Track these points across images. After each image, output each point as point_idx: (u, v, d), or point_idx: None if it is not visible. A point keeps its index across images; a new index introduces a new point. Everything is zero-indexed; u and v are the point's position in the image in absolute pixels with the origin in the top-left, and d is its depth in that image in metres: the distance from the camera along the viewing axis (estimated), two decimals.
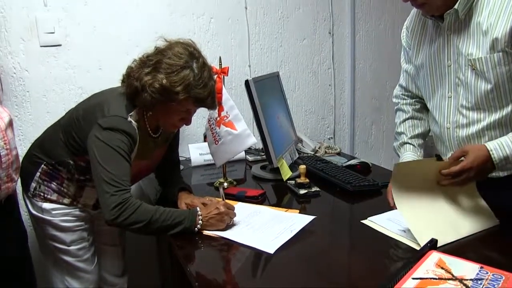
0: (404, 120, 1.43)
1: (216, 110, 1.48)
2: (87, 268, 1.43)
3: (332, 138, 2.41)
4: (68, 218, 1.37)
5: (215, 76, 1.39)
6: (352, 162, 1.79)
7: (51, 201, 1.35)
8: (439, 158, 1.21)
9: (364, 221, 1.23)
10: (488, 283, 0.85)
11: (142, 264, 1.99)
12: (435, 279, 0.87)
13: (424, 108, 1.43)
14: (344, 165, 1.75)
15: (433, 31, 1.26)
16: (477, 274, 0.89)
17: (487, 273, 0.89)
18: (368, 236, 1.17)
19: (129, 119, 1.22)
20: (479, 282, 0.86)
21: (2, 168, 1.10)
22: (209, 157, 1.71)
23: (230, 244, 1.15)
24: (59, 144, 1.32)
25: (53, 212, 1.35)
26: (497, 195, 1.19)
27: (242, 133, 1.52)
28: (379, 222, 1.21)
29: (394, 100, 1.49)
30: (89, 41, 1.80)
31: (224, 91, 1.50)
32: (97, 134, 1.18)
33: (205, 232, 1.19)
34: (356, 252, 1.14)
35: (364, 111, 2.47)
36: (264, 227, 1.22)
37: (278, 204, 1.46)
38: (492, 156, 1.09)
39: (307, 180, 1.51)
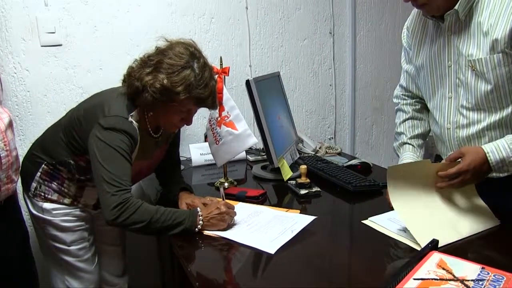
0: (404, 121, 1.43)
1: (217, 110, 1.48)
2: (87, 268, 1.43)
3: (332, 138, 2.41)
4: (69, 218, 1.37)
5: (216, 76, 1.39)
6: (353, 162, 1.79)
7: (52, 201, 1.35)
8: (439, 158, 1.21)
9: (364, 221, 1.23)
10: (489, 284, 0.85)
11: (142, 264, 1.99)
12: (437, 279, 0.87)
13: (424, 109, 1.43)
14: (344, 165, 1.75)
15: (434, 32, 1.26)
16: (479, 274, 0.88)
17: (488, 273, 0.89)
18: (368, 236, 1.17)
19: (130, 119, 1.22)
20: (481, 282, 0.86)
21: (1, 170, 1.10)
22: (210, 157, 1.70)
23: (230, 244, 1.14)
24: (60, 144, 1.32)
25: (54, 212, 1.35)
26: (498, 196, 1.19)
27: (243, 133, 1.52)
28: (379, 222, 1.21)
29: (395, 100, 1.50)
30: (90, 41, 1.80)
31: (225, 91, 1.50)
32: (98, 134, 1.18)
33: (206, 232, 1.19)
34: (356, 252, 1.14)
35: (365, 111, 2.47)
36: (265, 227, 1.21)
37: (278, 204, 1.46)
38: (489, 158, 1.10)
39: (308, 180, 1.51)
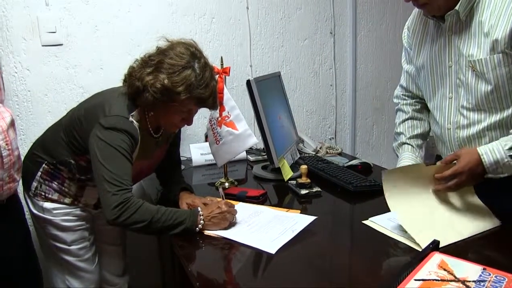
0: (404, 121, 1.44)
1: (218, 110, 1.48)
2: (88, 268, 1.43)
3: (333, 138, 2.41)
4: (69, 218, 1.37)
5: (217, 76, 1.39)
6: (353, 162, 1.79)
7: (52, 201, 1.35)
8: (439, 159, 1.21)
9: (365, 222, 1.23)
10: (491, 285, 0.85)
11: (143, 264, 1.99)
12: (438, 280, 0.87)
13: (424, 109, 1.43)
14: (345, 165, 1.75)
15: (435, 32, 1.25)
16: (480, 275, 0.88)
17: (490, 274, 0.88)
18: (369, 237, 1.17)
19: (131, 119, 1.22)
20: (482, 283, 0.86)
21: (3, 169, 1.10)
22: (210, 157, 1.70)
23: (231, 244, 1.14)
24: (61, 144, 1.32)
25: (54, 211, 1.35)
26: (495, 197, 1.19)
27: (243, 133, 1.52)
28: (380, 223, 1.21)
29: (395, 100, 1.50)
30: (91, 40, 1.80)
31: (225, 91, 1.50)
32: (99, 134, 1.18)
33: (206, 232, 1.19)
34: (357, 253, 1.14)
35: (366, 111, 2.46)
36: (265, 227, 1.21)
37: (279, 204, 1.46)
38: (483, 160, 1.10)
39: (308, 180, 1.51)
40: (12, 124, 1.12)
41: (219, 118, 1.51)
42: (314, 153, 2.00)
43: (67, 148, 1.31)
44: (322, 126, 2.38)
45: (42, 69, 1.75)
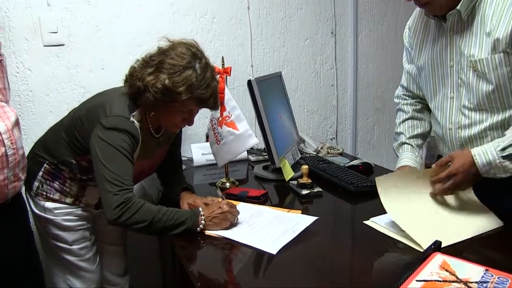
0: (404, 120, 1.44)
1: (219, 110, 1.48)
2: (89, 268, 1.43)
3: (334, 138, 2.41)
4: (70, 218, 1.37)
5: (218, 76, 1.39)
6: (355, 162, 1.79)
7: (54, 201, 1.35)
8: (440, 158, 1.22)
9: (366, 222, 1.23)
10: (493, 286, 0.85)
11: (144, 264, 1.99)
12: (440, 281, 0.87)
13: (425, 109, 1.43)
14: (346, 165, 1.75)
15: (436, 32, 1.25)
16: (482, 276, 0.88)
17: (492, 276, 0.88)
18: (370, 237, 1.17)
19: (132, 119, 1.22)
20: (484, 285, 0.85)
21: (9, 167, 1.10)
22: (211, 157, 1.70)
23: (232, 245, 1.14)
24: (62, 144, 1.32)
25: (56, 211, 1.35)
26: (500, 197, 1.18)
27: (244, 133, 1.52)
28: (381, 223, 1.21)
29: (395, 100, 1.50)
30: (92, 41, 1.80)
31: (226, 91, 1.50)
32: (100, 134, 1.18)
33: (207, 232, 1.19)
34: (358, 253, 1.14)
35: (367, 112, 2.46)
36: (267, 228, 1.21)
37: (280, 204, 1.45)
38: (476, 161, 1.11)
39: (310, 181, 1.50)
40: (17, 123, 1.13)
41: (220, 118, 1.51)
42: (315, 153, 1.99)
43: (69, 148, 1.31)
44: (323, 126, 2.38)
45: (43, 69, 1.75)
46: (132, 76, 1.24)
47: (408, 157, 1.38)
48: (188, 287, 1.11)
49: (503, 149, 1.09)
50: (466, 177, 1.12)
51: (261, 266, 1.09)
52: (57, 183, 1.35)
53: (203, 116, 1.98)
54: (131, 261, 1.66)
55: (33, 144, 1.43)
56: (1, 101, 1.12)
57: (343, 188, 1.50)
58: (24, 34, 1.70)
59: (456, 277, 0.88)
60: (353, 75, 2.36)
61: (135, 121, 1.23)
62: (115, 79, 1.36)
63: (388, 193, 1.17)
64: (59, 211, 1.35)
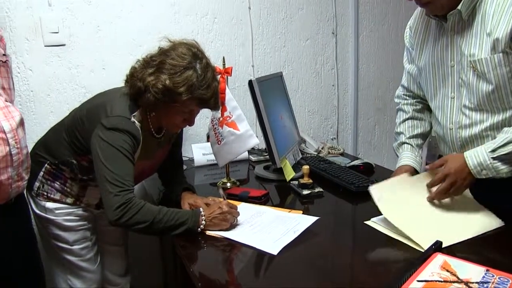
0: (404, 120, 1.44)
1: (219, 110, 1.48)
2: (90, 268, 1.43)
3: (335, 138, 2.40)
4: (71, 218, 1.37)
5: (219, 76, 1.39)
6: (355, 162, 1.79)
7: (54, 201, 1.35)
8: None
9: (367, 222, 1.23)
10: (494, 286, 0.85)
11: (145, 264, 1.99)
12: (441, 281, 0.87)
13: (425, 109, 1.43)
14: (347, 165, 1.75)
15: (437, 31, 1.25)
16: (483, 277, 0.88)
17: (493, 276, 0.88)
18: (371, 237, 1.17)
19: (132, 119, 1.22)
20: (485, 285, 0.85)
21: (13, 167, 1.11)
22: (212, 157, 1.70)
23: (233, 245, 1.14)
24: (63, 144, 1.32)
25: (56, 211, 1.35)
26: (501, 196, 1.18)
27: (245, 133, 1.52)
28: (382, 223, 1.20)
29: (396, 100, 1.50)
30: (93, 41, 1.80)
31: (227, 91, 1.50)
32: (101, 134, 1.18)
33: (208, 233, 1.19)
34: (359, 253, 1.14)
35: (367, 112, 2.46)
36: (268, 228, 1.21)
37: (281, 204, 1.45)
38: (468, 163, 1.13)
39: (310, 181, 1.50)
40: (21, 123, 1.13)
41: (221, 118, 1.51)
42: (316, 153, 1.99)
43: (69, 148, 1.31)
44: (324, 126, 2.37)
45: (44, 69, 1.75)
46: (132, 77, 1.24)
47: (408, 156, 1.38)
48: (189, 287, 1.11)
49: (493, 150, 1.11)
50: (460, 178, 1.14)
51: (262, 266, 1.08)
52: (58, 183, 1.35)
53: (204, 116, 1.99)
54: (132, 261, 1.66)
55: (34, 144, 1.43)
56: (6, 101, 1.13)
57: (344, 188, 1.50)
58: (25, 34, 1.70)
59: (457, 277, 0.88)
60: (354, 75, 2.36)
61: (136, 122, 1.23)
62: (116, 79, 1.37)
63: (385, 200, 1.18)
64: (60, 211, 1.35)
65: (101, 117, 1.20)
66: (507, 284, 0.85)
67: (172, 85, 1.18)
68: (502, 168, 1.12)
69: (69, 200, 1.36)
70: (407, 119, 1.43)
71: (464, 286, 0.86)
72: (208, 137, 1.92)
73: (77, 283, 1.42)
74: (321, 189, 1.50)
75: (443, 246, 1.04)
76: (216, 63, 1.36)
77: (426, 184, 1.21)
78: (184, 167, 1.69)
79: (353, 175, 1.56)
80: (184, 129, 1.49)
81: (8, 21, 1.67)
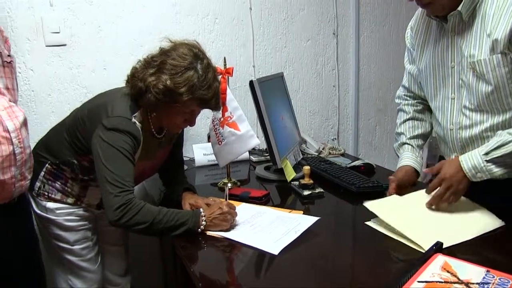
0: (405, 121, 1.44)
1: (220, 111, 1.48)
2: (90, 268, 1.43)
3: (336, 139, 2.40)
4: (72, 218, 1.37)
5: (220, 77, 1.39)
6: (356, 163, 1.79)
7: (55, 201, 1.35)
8: (442, 159, 1.23)
9: (368, 223, 1.23)
10: (494, 287, 0.85)
11: (145, 265, 1.99)
12: (441, 282, 0.87)
13: (426, 110, 1.43)
14: (348, 166, 1.75)
15: (437, 32, 1.25)
16: (484, 278, 0.88)
17: (494, 277, 0.88)
18: (372, 238, 1.17)
19: (133, 119, 1.22)
20: (486, 286, 0.85)
21: (16, 166, 1.12)
22: (213, 157, 1.70)
23: (234, 245, 1.14)
24: (64, 144, 1.32)
25: (57, 211, 1.35)
26: (503, 197, 1.18)
27: (246, 134, 1.52)
28: (383, 224, 1.20)
29: (397, 100, 1.50)
30: (94, 41, 1.80)
31: (228, 91, 1.50)
32: (101, 135, 1.18)
33: (209, 233, 1.19)
34: (360, 254, 1.14)
35: (368, 112, 2.46)
36: (268, 228, 1.21)
37: (282, 205, 1.46)
38: (462, 166, 1.15)
39: (311, 181, 1.50)
40: (24, 123, 1.14)
41: (222, 119, 1.51)
42: (316, 153, 2.00)
43: (70, 148, 1.31)
44: (325, 126, 2.38)
45: (45, 69, 1.75)
46: (133, 77, 1.24)
47: (409, 157, 1.38)
48: (190, 287, 1.11)
49: (487, 153, 1.13)
50: (456, 182, 1.15)
51: (262, 267, 1.09)
52: (58, 183, 1.35)
53: (205, 117, 1.99)
54: (132, 261, 1.67)
55: (35, 144, 1.44)
56: (10, 101, 1.14)
57: (344, 189, 1.50)
58: (26, 34, 1.70)
59: (458, 278, 0.88)
60: (355, 76, 2.36)
61: (137, 122, 1.23)
62: (117, 79, 1.37)
63: (382, 208, 1.21)
64: (61, 211, 1.36)
65: (102, 117, 1.21)
66: (507, 285, 0.85)
67: (173, 86, 1.18)
68: (496, 170, 1.13)
69: (70, 200, 1.36)
70: (408, 119, 1.43)
71: (465, 287, 0.86)
72: (209, 137, 1.92)
73: (78, 283, 1.42)
74: (321, 190, 1.50)
75: (444, 247, 1.04)
76: (217, 63, 1.36)
77: (425, 191, 1.22)
78: (185, 167, 1.69)
79: (353, 176, 1.56)
80: (185, 129, 1.49)
81: (10, 21, 1.67)
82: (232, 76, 1.52)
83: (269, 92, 1.64)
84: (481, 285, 0.85)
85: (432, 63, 1.27)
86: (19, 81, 1.72)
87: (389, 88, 2.45)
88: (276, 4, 2.12)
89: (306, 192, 1.48)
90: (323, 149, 2.03)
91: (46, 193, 1.35)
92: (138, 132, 1.22)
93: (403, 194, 1.32)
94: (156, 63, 1.21)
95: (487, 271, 0.90)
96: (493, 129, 1.19)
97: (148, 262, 2.01)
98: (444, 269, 0.92)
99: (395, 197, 1.31)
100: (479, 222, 1.17)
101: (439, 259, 0.96)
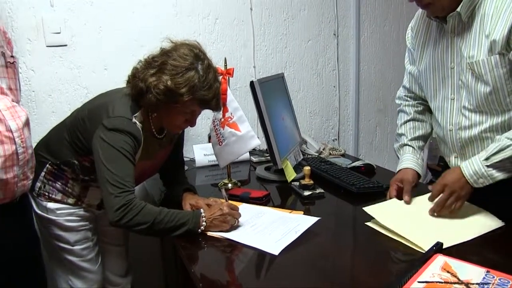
0: (405, 122, 1.44)
1: (221, 111, 1.48)
2: (91, 268, 1.43)
3: (336, 139, 2.41)
4: (73, 218, 1.37)
5: (220, 77, 1.39)
6: (357, 163, 1.79)
7: (56, 201, 1.36)
8: (443, 160, 1.23)
9: (368, 223, 1.23)
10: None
11: (145, 265, 1.99)
12: (441, 282, 0.87)
13: (426, 111, 1.43)
14: (348, 166, 1.75)
15: (437, 33, 1.26)
16: (484, 278, 0.88)
17: (494, 277, 0.88)
18: (372, 238, 1.17)
19: (134, 120, 1.22)
20: (486, 286, 0.85)
21: (19, 165, 1.12)
22: (214, 157, 1.71)
23: (234, 245, 1.14)
24: (64, 144, 1.32)
25: (58, 211, 1.35)
26: (502, 198, 1.18)
27: (246, 134, 1.52)
28: (383, 224, 1.20)
29: (397, 101, 1.50)
30: (95, 41, 1.81)
31: (229, 92, 1.50)
32: (102, 135, 1.18)
33: (209, 233, 1.19)
34: (360, 254, 1.14)
35: (369, 113, 2.46)
36: (269, 228, 1.21)
37: (282, 205, 1.46)
38: (464, 172, 1.15)
39: (312, 182, 1.50)
40: (27, 123, 1.15)
41: (222, 119, 1.52)
42: (317, 154, 2.00)
43: (71, 149, 1.31)
44: (325, 127, 2.38)
45: (46, 70, 1.76)
46: (134, 77, 1.25)
47: (410, 159, 1.38)
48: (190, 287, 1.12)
49: (487, 158, 1.13)
50: (458, 188, 1.15)
51: (263, 267, 1.09)
52: (59, 183, 1.35)
53: (205, 117, 1.99)
54: (133, 261, 1.67)
55: (36, 144, 1.44)
56: (13, 101, 1.14)
57: (345, 189, 1.50)
58: (27, 35, 1.70)
59: (458, 278, 0.88)
60: (355, 76, 2.36)
61: (137, 122, 1.23)
62: (118, 79, 1.37)
63: (382, 211, 1.22)
64: (61, 211, 1.36)
65: (103, 117, 1.21)
66: (507, 285, 0.85)
67: (174, 86, 1.18)
68: (497, 175, 1.13)
69: (70, 200, 1.36)
70: (409, 120, 1.43)
71: (465, 287, 0.86)
72: (209, 138, 1.93)
73: (78, 284, 1.42)
74: (322, 190, 1.50)
75: (444, 247, 1.04)
76: (218, 64, 1.36)
77: (427, 197, 1.22)
78: (186, 167, 1.69)
79: (354, 176, 1.56)
80: (185, 130, 1.49)
81: (10, 21, 1.67)
82: (232, 76, 1.52)
83: (269, 93, 1.65)
84: (481, 286, 0.86)
85: (432, 63, 1.28)
86: (20, 81, 1.72)
87: (389, 89, 2.45)
88: (277, 5, 2.12)
89: (306, 193, 1.48)
90: (323, 149, 2.03)
91: (46, 194, 1.35)
92: (138, 133, 1.22)
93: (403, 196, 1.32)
94: (157, 63, 1.21)
95: (487, 271, 0.90)
96: (492, 129, 1.19)
97: (148, 263, 2.01)
98: (444, 269, 0.92)
99: (394, 200, 1.31)
100: (479, 223, 1.17)
101: (439, 260, 0.96)
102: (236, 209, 1.24)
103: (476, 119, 1.21)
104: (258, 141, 1.54)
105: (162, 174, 1.56)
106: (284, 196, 1.57)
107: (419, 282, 0.87)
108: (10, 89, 1.16)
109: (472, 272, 0.91)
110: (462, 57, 1.18)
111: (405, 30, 1.41)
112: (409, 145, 1.41)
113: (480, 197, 1.21)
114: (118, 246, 1.57)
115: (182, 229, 1.16)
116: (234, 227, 1.22)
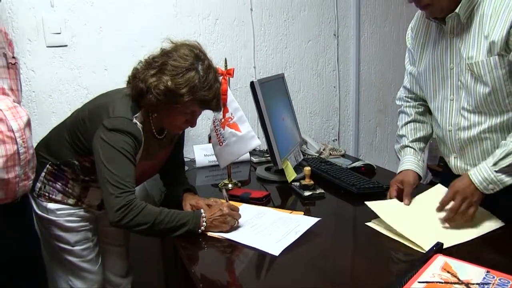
0: (406, 123, 1.44)
1: (221, 112, 1.48)
2: (91, 269, 1.43)
3: (336, 140, 2.41)
4: (73, 219, 1.37)
5: (221, 78, 1.39)
6: (357, 164, 1.79)
7: (56, 201, 1.36)
8: (443, 160, 1.23)
9: (368, 224, 1.23)
10: None
11: (146, 265, 1.99)
12: (441, 283, 0.87)
13: (427, 112, 1.43)
14: (348, 167, 1.75)
15: (437, 34, 1.26)
16: (484, 278, 0.88)
17: (494, 277, 0.88)
18: (372, 239, 1.17)
19: (134, 120, 1.22)
20: (486, 286, 0.85)
21: (20, 165, 1.13)
22: (214, 158, 1.71)
23: (234, 246, 1.15)
24: (64, 145, 1.32)
25: (58, 212, 1.35)
26: (502, 198, 1.18)
27: (246, 135, 1.52)
28: (383, 225, 1.20)
29: (398, 102, 1.50)
30: (95, 41, 1.81)
31: (229, 92, 1.50)
32: (102, 135, 1.19)
33: (210, 234, 1.19)
34: (360, 255, 1.14)
35: (369, 113, 2.46)
36: (269, 229, 1.21)
37: (282, 205, 1.46)
38: (473, 180, 1.14)
39: (312, 182, 1.51)
40: (28, 123, 1.16)
41: (223, 120, 1.52)
42: (317, 154, 2.00)
43: (71, 149, 1.31)
44: (326, 127, 2.38)
45: (46, 70, 1.76)
46: (134, 78, 1.25)
47: (411, 161, 1.38)
48: None
49: (495, 164, 1.12)
50: (470, 194, 1.13)
51: (263, 267, 1.09)
52: (59, 184, 1.35)
53: (206, 118, 1.99)
54: (133, 262, 1.67)
55: (36, 145, 1.44)
56: (14, 102, 1.15)
57: (345, 190, 1.50)
58: (28, 35, 1.70)
59: (458, 278, 0.88)
60: (355, 76, 2.36)
61: (138, 123, 1.23)
62: (118, 80, 1.37)
63: (384, 208, 1.21)
64: (62, 212, 1.36)
65: (103, 118, 1.21)
66: (507, 286, 0.85)
67: (174, 86, 1.18)
68: (507, 179, 1.12)
69: (70, 201, 1.36)
70: (410, 121, 1.43)
71: (465, 287, 0.86)
72: (209, 138, 1.93)
73: (78, 284, 1.42)
74: (322, 191, 1.50)
75: (444, 247, 1.04)
76: (218, 64, 1.36)
77: (436, 208, 1.20)
78: (186, 168, 1.70)
79: (354, 177, 1.56)
80: (185, 130, 1.49)
81: (11, 21, 1.67)
82: (233, 77, 1.52)
83: (269, 93, 1.65)
84: (481, 286, 0.86)
85: (431, 64, 1.28)
86: (21, 82, 1.72)
87: (390, 89, 2.45)
88: (277, 5, 2.12)
89: (306, 193, 1.48)
90: (323, 150, 2.03)
91: (47, 194, 1.35)
92: (139, 133, 1.22)
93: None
94: (157, 64, 1.21)
95: (487, 271, 0.90)
96: (491, 130, 1.19)
97: (149, 263, 2.01)
98: (445, 269, 0.92)
99: (395, 200, 1.31)
100: (479, 223, 1.17)
101: (440, 260, 0.96)
102: (236, 209, 1.24)
103: (475, 120, 1.21)
104: (258, 142, 1.54)
105: (162, 174, 1.56)
106: (284, 196, 1.58)
107: (419, 282, 0.87)
108: (11, 89, 1.17)
109: (472, 272, 0.91)
110: (461, 58, 1.18)
111: (405, 31, 1.41)
112: (410, 147, 1.41)
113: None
114: (118, 247, 1.57)
115: (182, 230, 1.16)
116: (234, 227, 1.22)
